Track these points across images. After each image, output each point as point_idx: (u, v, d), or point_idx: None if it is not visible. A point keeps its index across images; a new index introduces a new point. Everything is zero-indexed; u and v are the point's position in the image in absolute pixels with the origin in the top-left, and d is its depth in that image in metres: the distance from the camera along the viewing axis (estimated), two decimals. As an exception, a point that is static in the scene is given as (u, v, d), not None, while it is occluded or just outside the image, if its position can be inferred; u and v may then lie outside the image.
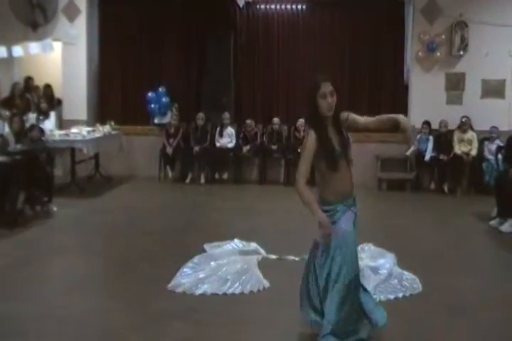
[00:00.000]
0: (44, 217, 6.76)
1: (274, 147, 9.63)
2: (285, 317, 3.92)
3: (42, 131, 7.42)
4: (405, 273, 4.78)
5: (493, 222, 6.71)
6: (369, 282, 4.54)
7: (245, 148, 9.63)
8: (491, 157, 8.83)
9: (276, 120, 9.69)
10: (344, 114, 3.23)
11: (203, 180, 9.53)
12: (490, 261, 5.59)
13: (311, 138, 3.13)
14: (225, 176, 9.54)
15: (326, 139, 3.13)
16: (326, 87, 3.08)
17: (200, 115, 9.71)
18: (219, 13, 10.13)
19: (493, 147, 8.83)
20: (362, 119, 3.28)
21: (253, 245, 5.57)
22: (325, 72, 3.35)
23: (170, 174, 9.65)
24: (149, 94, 9.93)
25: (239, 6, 9.82)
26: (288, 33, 10.21)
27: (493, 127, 9.06)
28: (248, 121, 9.75)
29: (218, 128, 9.72)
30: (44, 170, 7.02)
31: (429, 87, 9.50)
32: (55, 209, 6.96)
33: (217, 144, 9.68)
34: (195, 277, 4.61)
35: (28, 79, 9.83)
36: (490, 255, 5.85)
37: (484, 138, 9.17)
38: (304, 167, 3.17)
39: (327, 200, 3.30)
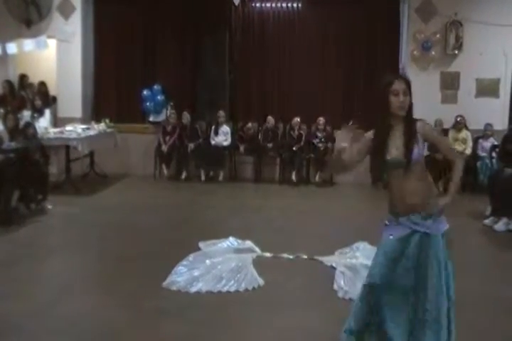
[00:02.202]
0: (39, 215, 6.74)
1: (269, 145, 9.64)
2: (280, 315, 3.93)
3: (35, 129, 7.38)
4: (400, 271, 4.78)
5: (487, 221, 6.73)
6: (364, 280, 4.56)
7: (242, 147, 9.63)
8: (484, 154, 8.87)
9: (270, 119, 9.70)
10: (423, 126, 2.89)
11: (203, 178, 9.52)
12: (484, 260, 5.61)
13: (369, 135, 2.92)
14: (221, 177, 9.53)
15: (380, 145, 2.86)
16: (399, 85, 2.83)
17: (185, 114, 9.71)
18: (214, 10, 10.11)
19: (487, 144, 8.88)
20: (441, 146, 3.02)
21: (248, 243, 5.58)
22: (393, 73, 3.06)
23: (165, 172, 9.64)
24: (144, 92, 9.91)
25: (234, 3, 9.79)
26: (283, 31, 10.20)
27: (488, 124, 9.09)
28: (249, 125, 9.76)
29: (213, 127, 9.72)
30: (39, 167, 7.00)
31: (424, 85, 9.49)
32: (49, 207, 6.94)
33: (213, 142, 9.68)
34: (190, 275, 4.62)
35: (23, 77, 9.79)
36: (484, 254, 5.87)
37: (478, 137, 9.20)
38: (349, 150, 2.86)
39: (393, 208, 2.95)
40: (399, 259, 2.87)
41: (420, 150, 2.86)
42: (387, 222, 2.96)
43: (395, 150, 2.86)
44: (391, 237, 2.89)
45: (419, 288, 2.87)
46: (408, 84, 2.86)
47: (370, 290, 2.90)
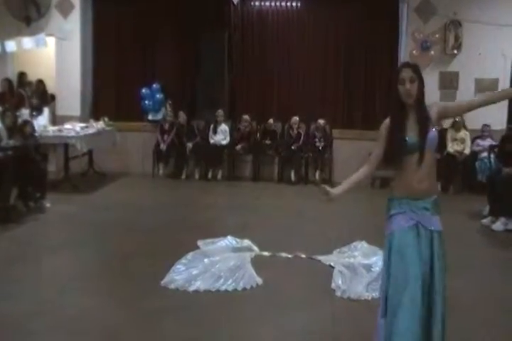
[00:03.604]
0: (37, 213, 6.73)
1: (267, 142, 9.65)
2: (278, 314, 3.93)
3: (33, 127, 7.37)
4: (398, 270, 4.79)
5: (485, 221, 6.74)
6: (362, 279, 4.57)
7: (239, 146, 9.63)
8: (482, 154, 8.88)
9: (271, 121, 9.72)
10: (436, 106, 2.94)
11: (197, 176, 9.53)
12: (482, 260, 5.62)
13: (384, 124, 2.95)
14: (219, 176, 9.54)
15: (398, 125, 2.89)
16: (406, 73, 2.85)
17: (181, 114, 9.71)
18: (213, 9, 10.10)
19: (485, 144, 8.89)
20: (463, 103, 3.05)
21: (246, 242, 5.58)
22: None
23: (161, 170, 9.62)
24: (143, 90, 9.90)
25: (233, 3, 9.79)
26: (282, 30, 10.19)
27: (485, 125, 9.12)
28: (245, 117, 9.75)
29: (212, 125, 9.72)
30: (37, 165, 6.99)
31: (423, 85, 9.52)
32: (48, 205, 6.94)
33: (211, 141, 9.68)
34: (188, 274, 4.63)
35: (22, 75, 9.78)
36: (482, 253, 5.88)
37: (476, 137, 9.21)
38: (374, 152, 2.96)
39: (393, 194, 2.97)
40: (412, 248, 2.85)
41: (435, 137, 2.88)
42: (392, 212, 2.95)
43: (411, 133, 2.87)
44: (403, 225, 2.89)
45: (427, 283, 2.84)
46: (416, 71, 2.88)
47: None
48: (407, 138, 2.85)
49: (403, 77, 2.85)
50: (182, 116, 9.72)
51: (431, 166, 2.91)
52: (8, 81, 9.44)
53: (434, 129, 2.88)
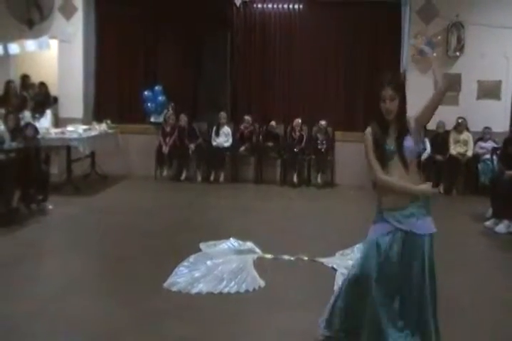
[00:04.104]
0: (39, 215, 6.74)
1: (270, 144, 9.65)
2: (280, 317, 3.92)
3: (36, 130, 7.38)
4: (400, 273, 4.78)
5: (488, 223, 6.73)
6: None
7: (242, 148, 9.64)
8: (485, 156, 8.87)
9: (273, 123, 9.73)
10: (413, 118, 3.16)
11: (199, 179, 9.53)
12: (484, 262, 5.60)
13: (366, 133, 3.14)
14: (222, 179, 9.53)
15: (378, 135, 3.09)
16: (386, 91, 3.06)
17: (182, 116, 9.71)
18: (216, 12, 10.11)
19: (487, 146, 8.89)
20: (423, 110, 3.23)
21: (249, 244, 5.57)
22: (390, 73, 3.24)
23: (165, 172, 9.62)
24: (145, 92, 9.91)
25: (236, 5, 9.81)
26: (285, 32, 10.20)
27: (486, 128, 9.12)
28: (246, 117, 9.75)
29: (215, 128, 9.72)
30: (39, 168, 7.00)
31: (425, 87, 9.38)
32: (50, 207, 6.94)
33: (214, 143, 9.68)
34: (190, 276, 4.62)
35: (25, 77, 9.80)
36: (484, 256, 5.86)
37: (478, 139, 9.21)
38: (373, 160, 3.10)
39: (379, 205, 3.15)
40: (386, 254, 3.05)
41: (414, 146, 3.07)
42: (375, 219, 3.18)
43: (391, 142, 3.08)
44: (377, 232, 3.11)
45: (403, 286, 3.09)
46: (397, 88, 3.08)
47: (364, 281, 3.05)
48: (386, 146, 3.05)
49: (384, 96, 3.05)
50: (183, 119, 9.72)
51: (412, 173, 3.06)
52: (12, 83, 9.45)
53: (411, 141, 3.06)
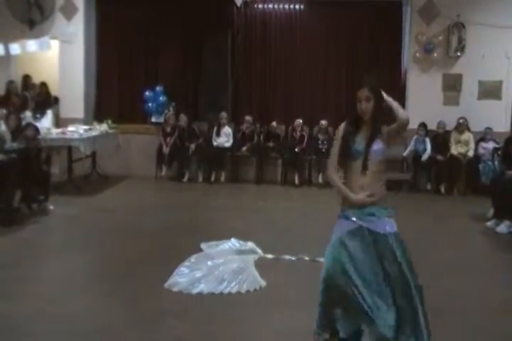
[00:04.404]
0: (40, 215, 6.74)
1: (271, 144, 9.65)
2: (281, 317, 3.92)
3: (37, 130, 7.39)
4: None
5: (489, 223, 6.72)
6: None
7: (244, 148, 9.63)
8: (486, 156, 8.87)
9: (274, 124, 9.72)
10: (385, 128, 3.11)
11: (200, 179, 9.53)
12: (486, 262, 5.60)
13: (339, 128, 3.19)
14: (223, 179, 9.53)
15: (348, 134, 3.11)
16: (362, 93, 3.13)
17: (182, 116, 9.71)
18: (216, 12, 10.11)
19: (488, 146, 8.89)
20: (391, 131, 3.12)
21: (250, 244, 5.57)
22: (371, 74, 3.33)
23: (164, 171, 9.61)
24: (147, 92, 9.91)
25: (236, 5, 9.81)
26: (285, 32, 10.20)
27: (488, 128, 9.12)
28: (247, 118, 9.76)
29: (215, 128, 9.72)
30: (40, 168, 7.01)
31: (426, 87, 9.52)
32: (51, 207, 6.94)
33: (215, 143, 9.68)
34: (191, 276, 4.61)
35: (26, 77, 9.81)
36: (486, 256, 5.86)
37: (480, 139, 9.20)
38: (333, 156, 3.17)
39: (341, 202, 3.19)
40: (353, 252, 3.08)
41: (381, 150, 3.06)
42: (339, 214, 3.22)
43: (360, 142, 3.08)
44: (342, 229, 3.19)
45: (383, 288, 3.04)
46: (373, 90, 3.14)
47: (337, 282, 3.03)
48: (354, 146, 3.07)
49: (359, 97, 3.11)
50: (183, 119, 9.72)
51: (375, 176, 3.07)
52: (13, 83, 9.46)
53: (381, 143, 3.06)
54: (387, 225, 3.09)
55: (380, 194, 3.10)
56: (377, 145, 3.06)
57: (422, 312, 3.03)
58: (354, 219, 3.09)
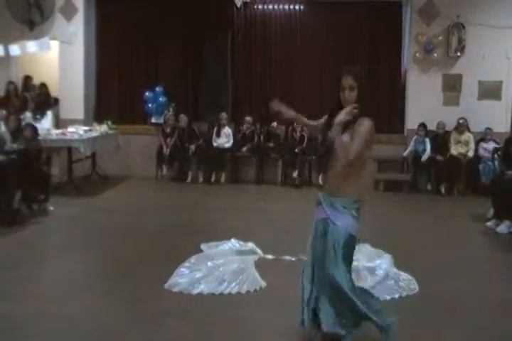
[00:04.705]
0: (40, 216, 6.75)
1: (271, 145, 9.65)
2: (282, 317, 3.91)
3: (35, 130, 7.38)
4: (402, 273, 4.79)
5: (489, 223, 6.72)
6: (365, 283, 4.55)
7: (244, 148, 9.63)
8: (485, 155, 8.88)
9: (274, 124, 9.72)
10: (362, 121, 3.08)
11: (200, 180, 9.54)
12: (486, 263, 5.59)
13: (324, 118, 3.35)
14: (223, 179, 9.53)
15: (329, 124, 3.16)
16: (346, 81, 3.08)
17: (182, 116, 9.72)
18: (216, 12, 10.12)
19: (488, 146, 8.89)
20: (352, 142, 3.09)
21: (250, 245, 5.57)
22: (352, 65, 3.29)
23: (164, 171, 9.60)
24: (146, 93, 9.92)
25: (236, 6, 9.81)
26: (285, 33, 10.20)
27: (488, 128, 9.12)
28: (247, 118, 9.76)
29: (215, 128, 9.72)
30: (41, 169, 7.01)
31: (426, 88, 9.52)
32: (51, 208, 6.95)
33: (215, 144, 9.68)
34: (191, 277, 4.61)
35: (27, 78, 9.80)
36: (486, 256, 5.86)
37: (480, 140, 9.20)
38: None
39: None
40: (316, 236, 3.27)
41: (344, 141, 3.05)
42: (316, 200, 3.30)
43: (333, 129, 3.10)
44: (316, 216, 3.28)
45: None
46: (357, 78, 3.06)
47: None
48: (330, 132, 3.12)
49: (343, 85, 3.07)
50: (183, 119, 9.72)
51: (348, 168, 3.05)
52: (12, 84, 9.46)
53: (348, 136, 3.04)
54: (344, 220, 3.15)
55: (353, 189, 3.14)
56: (344, 137, 3.05)
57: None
58: (324, 205, 3.19)
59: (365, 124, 3.05)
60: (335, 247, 3.14)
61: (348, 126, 3.07)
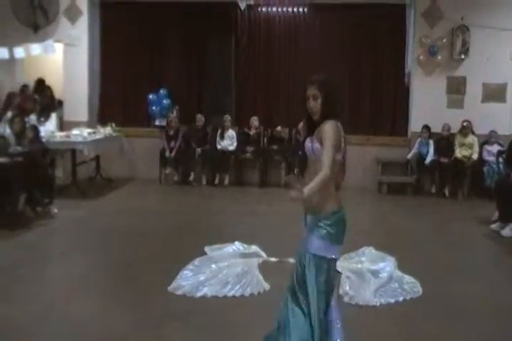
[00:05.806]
0: (45, 218, 6.75)
1: (274, 147, 9.65)
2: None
3: (37, 132, 7.39)
4: (406, 276, 4.78)
5: (493, 226, 6.71)
6: (369, 285, 4.55)
7: (248, 150, 9.63)
8: (489, 158, 8.86)
9: (279, 128, 9.73)
10: (325, 125, 2.96)
11: (204, 182, 9.54)
12: (490, 266, 5.58)
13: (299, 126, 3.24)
14: (226, 182, 9.53)
15: (305, 134, 3.12)
16: (310, 91, 3.05)
17: (199, 116, 9.73)
18: (220, 15, 10.13)
19: (493, 149, 8.87)
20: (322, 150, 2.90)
21: (254, 248, 5.57)
22: (319, 75, 3.17)
23: (168, 170, 9.59)
24: (150, 96, 9.93)
25: (240, 8, 9.83)
26: (289, 35, 10.20)
27: (492, 131, 9.09)
28: (255, 122, 9.72)
29: (219, 131, 9.72)
30: (45, 171, 7.02)
31: (430, 90, 9.50)
32: (55, 210, 6.95)
33: (218, 147, 9.68)
34: (195, 279, 4.61)
35: (40, 81, 9.74)
36: (490, 259, 5.85)
37: (484, 142, 9.18)
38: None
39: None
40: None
41: (313, 149, 2.94)
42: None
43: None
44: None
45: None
46: (321, 88, 2.99)
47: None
48: (306, 144, 2.99)
49: (307, 95, 3.02)
50: (201, 120, 9.71)
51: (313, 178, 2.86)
52: (26, 87, 9.46)
53: (317, 142, 2.91)
54: (312, 244, 3.01)
55: (324, 204, 2.99)
56: (314, 144, 2.93)
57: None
58: (304, 226, 3.11)
59: (327, 130, 2.91)
60: (310, 280, 3.01)
61: (311, 131, 3.02)
